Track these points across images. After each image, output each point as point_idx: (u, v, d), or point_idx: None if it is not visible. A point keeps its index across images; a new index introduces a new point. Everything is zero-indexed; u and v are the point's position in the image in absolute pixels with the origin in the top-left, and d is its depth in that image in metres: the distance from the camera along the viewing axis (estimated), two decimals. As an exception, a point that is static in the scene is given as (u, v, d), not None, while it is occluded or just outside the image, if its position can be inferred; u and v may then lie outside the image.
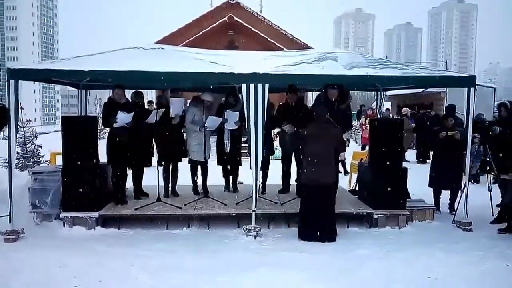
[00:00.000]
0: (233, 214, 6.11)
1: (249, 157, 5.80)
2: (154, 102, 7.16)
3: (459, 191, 6.55)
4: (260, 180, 6.76)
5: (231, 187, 7.42)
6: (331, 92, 6.48)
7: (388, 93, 8.42)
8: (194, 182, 7.20)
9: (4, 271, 4.35)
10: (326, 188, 5.51)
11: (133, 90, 7.12)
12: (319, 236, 5.46)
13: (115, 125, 6.15)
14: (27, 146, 9.96)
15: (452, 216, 6.49)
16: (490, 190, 6.69)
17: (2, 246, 5.19)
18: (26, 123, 9.92)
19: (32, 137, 10.36)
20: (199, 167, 7.14)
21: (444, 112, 8.73)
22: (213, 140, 7.33)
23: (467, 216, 6.09)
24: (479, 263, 4.76)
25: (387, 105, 17.28)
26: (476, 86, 6.01)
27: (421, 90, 10.42)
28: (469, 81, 5.94)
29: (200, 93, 7.22)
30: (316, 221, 5.48)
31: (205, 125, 6.74)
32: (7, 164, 5.70)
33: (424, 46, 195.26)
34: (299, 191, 6.55)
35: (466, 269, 4.59)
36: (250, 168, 5.74)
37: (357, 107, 20.98)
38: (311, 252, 5.06)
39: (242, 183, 7.72)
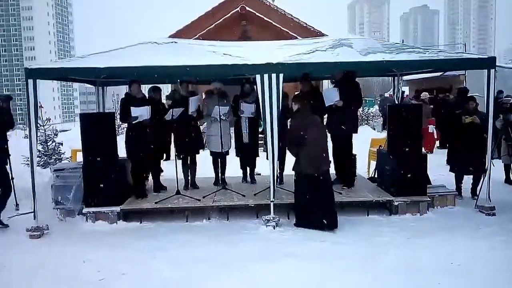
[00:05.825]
0: (252, 205, 6.14)
1: (265, 148, 5.79)
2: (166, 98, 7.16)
3: (482, 175, 6.42)
4: (277, 170, 6.76)
5: (248, 178, 7.44)
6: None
7: (404, 78, 8.25)
8: (216, 174, 7.25)
9: (30, 266, 4.47)
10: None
11: (151, 85, 7.19)
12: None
13: (134, 122, 6.25)
14: (48, 144, 10.15)
15: (474, 201, 6.38)
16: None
17: (27, 242, 5.34)
18: (46, 121, 10.10)
19: (53, 135, 10.55)
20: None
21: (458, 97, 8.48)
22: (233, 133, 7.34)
23: (490, 201, 5.98)
24: (503, 248, 4.69)
25: (404, 90, 16.93)
26: (496, 67, 5.85)
27: (439, 73, 10.17)
28: (489, 63, 5.78)
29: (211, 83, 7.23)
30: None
31: (220, 113, 6.71)
32: (29, 162, 5.82)
33: (442, 29, 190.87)
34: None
35: (490, 254, 4.52)
36: (267, 158, 5.74)
37: (374, 93, 20.66)
38: (332, 241, 5.05)
39: (259, 174, 7.73)
